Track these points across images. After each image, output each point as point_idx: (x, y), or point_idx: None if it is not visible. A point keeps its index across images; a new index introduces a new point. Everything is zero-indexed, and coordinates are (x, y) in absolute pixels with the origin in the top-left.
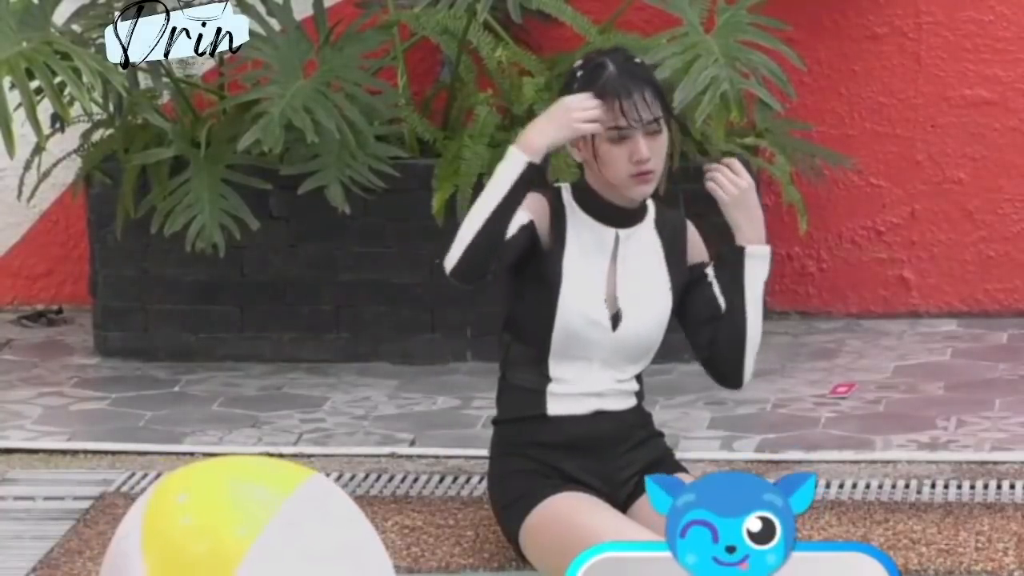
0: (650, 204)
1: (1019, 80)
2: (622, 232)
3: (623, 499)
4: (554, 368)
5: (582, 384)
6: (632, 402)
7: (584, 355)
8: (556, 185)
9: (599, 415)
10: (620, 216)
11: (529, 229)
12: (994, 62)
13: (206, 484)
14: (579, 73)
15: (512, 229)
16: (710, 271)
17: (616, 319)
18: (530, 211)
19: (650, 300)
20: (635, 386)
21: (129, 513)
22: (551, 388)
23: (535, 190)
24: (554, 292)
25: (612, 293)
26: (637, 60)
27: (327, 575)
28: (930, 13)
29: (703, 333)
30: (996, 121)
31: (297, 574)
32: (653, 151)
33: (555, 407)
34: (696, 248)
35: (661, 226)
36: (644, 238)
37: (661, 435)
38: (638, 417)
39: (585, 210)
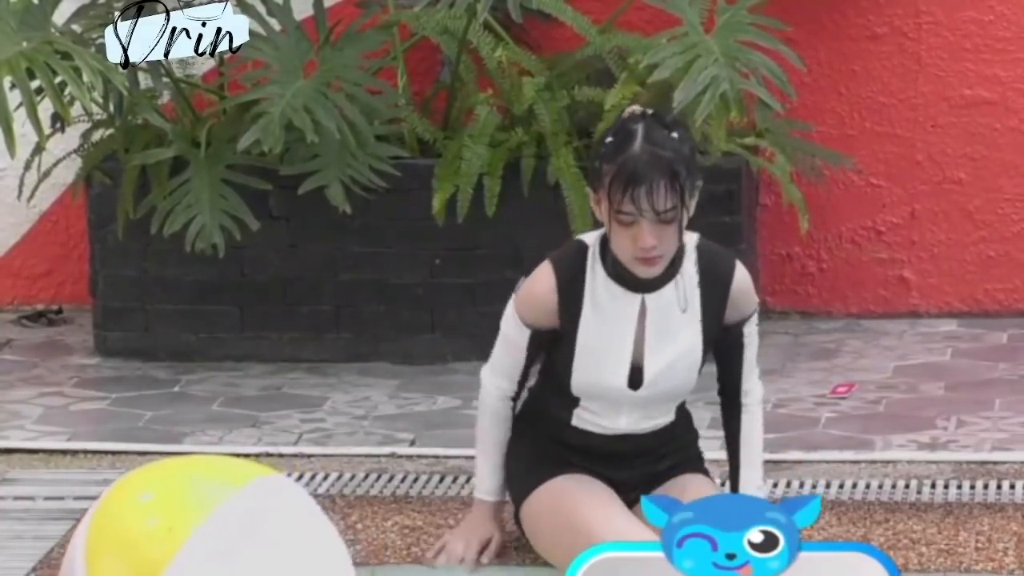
0: (691, 249)
1: (1019, 80)
2: (648, 297)
3: (632, 500)
4: (584, 401)
5: (609, 418)
6: (666, 422)
7: (608, 400)
8: (580, 239)
9: (625, 438)
10: (645, 282)
11: (536, 337)
12: (994, 62)
13: (162, 484)
14: (608, 139)
15: (519, 351)
16: (747, 330)
17: (636, 380)
18: (528, 319)
19: (678, 357)
20: (670, 417)
21: (87, 513)
22: (578, 412)
23: (549, 257)
24: (568, 361)
25: (639, 353)
26: (674, 134)
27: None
28: (930, 13)
29: (723, 373)
30: (996, 121)
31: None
32: (662, 237)
33: (580, 421)
34: (739, 304)
35: (703, 273)
36: (676, 294)
37: (695, 438)
38: (668, 433)
39: (610, 273)
